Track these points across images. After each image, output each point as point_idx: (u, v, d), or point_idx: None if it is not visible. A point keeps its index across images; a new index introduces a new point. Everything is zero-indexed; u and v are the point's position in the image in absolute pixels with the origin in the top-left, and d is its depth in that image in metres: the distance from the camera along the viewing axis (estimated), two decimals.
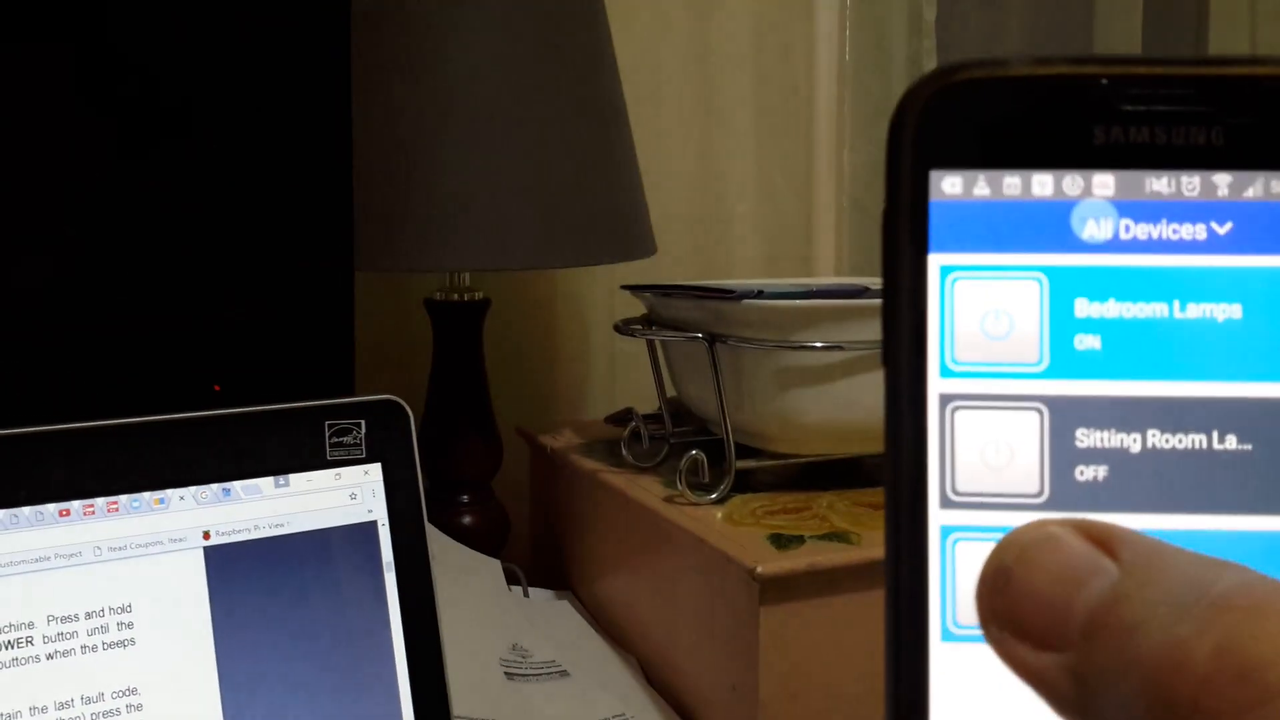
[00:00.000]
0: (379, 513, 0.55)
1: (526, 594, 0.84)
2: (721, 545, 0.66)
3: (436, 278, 0.88)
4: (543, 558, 0.94)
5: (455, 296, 0.87)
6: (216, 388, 0.68)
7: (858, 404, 0.73)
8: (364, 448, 0.55)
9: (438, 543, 0.80)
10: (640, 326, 0.80)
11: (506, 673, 0.72)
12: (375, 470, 0.55)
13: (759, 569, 0.62)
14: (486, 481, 0.88)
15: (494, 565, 0.81)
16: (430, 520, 0.82)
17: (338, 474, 0.54)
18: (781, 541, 0.65)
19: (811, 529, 0.68)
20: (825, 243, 1.22)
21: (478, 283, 0.88)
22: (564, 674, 0.74)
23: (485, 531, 0.86)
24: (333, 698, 0.52)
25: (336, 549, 0.54)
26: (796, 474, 0.80)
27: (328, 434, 0.54)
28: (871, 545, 0.65)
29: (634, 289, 0.81)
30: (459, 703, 0.67)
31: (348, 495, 0.54)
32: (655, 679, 0.76)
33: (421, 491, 0.56)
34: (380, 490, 0.55)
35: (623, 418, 0.87)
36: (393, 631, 0.54)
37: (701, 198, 1.13)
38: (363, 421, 0.55)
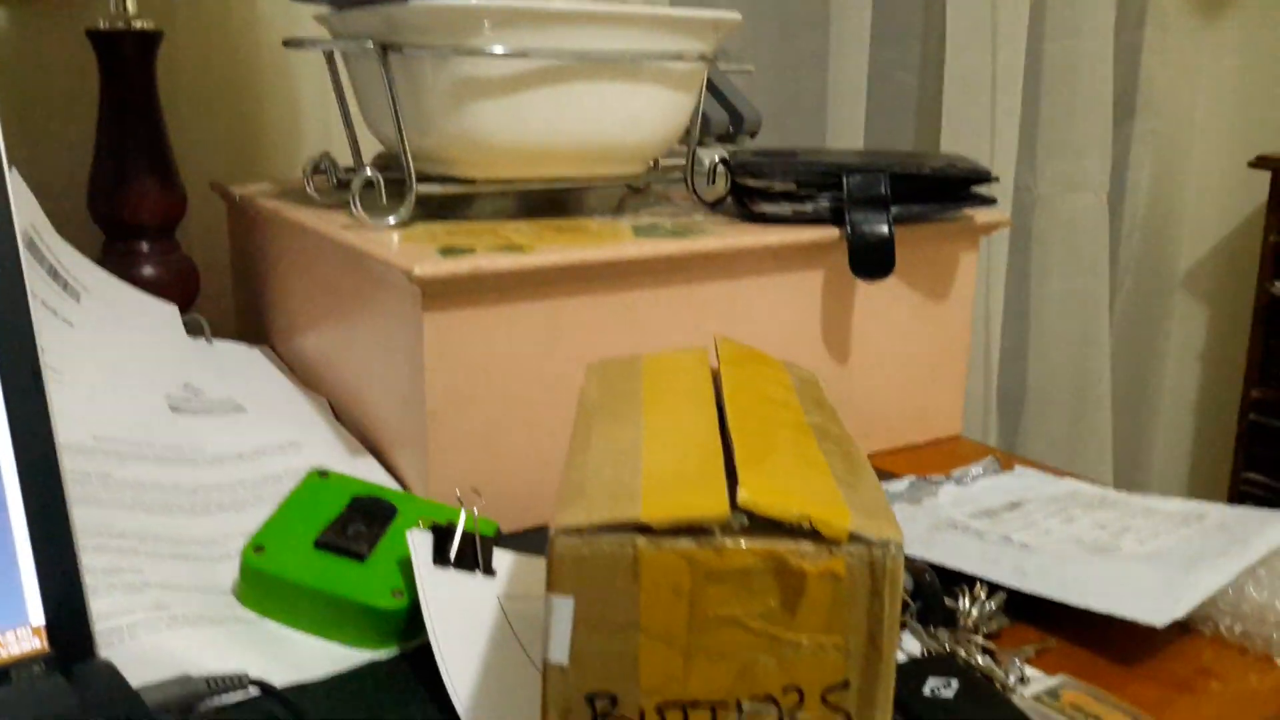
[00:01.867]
0: None
1: (210, 343, 0.79)
2: (387, 257, 0.62)
3: (102, 6, 0.79)
4: (244, 318, 0.89)
5: (120, 25, 0.79)
6: None
7: (549, 122, 0.70)
8: None
9: (109, 284, 0.74)
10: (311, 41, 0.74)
11: (172, 407, 0.67)
12: None
13: (416, 270, 0.59)
14: (169, 231, 0.82)
15: (170, 311, 0.76)
16: (110, 270, 0.77)
17: None
18: (450, 252, 0.63)
19: (486, 245, 0.65)
20: None
21: (145, 10, 0.80)
22: (239, 409, 0.70)
23: (171, 284, 0.81)
24: None
25: None
26: (490, 204, 0.77)
27: None
28: (543, 254, 0.63)
29: None
30: (109, 428, 0.63)
31: None
32: (343, 414, 0.73)
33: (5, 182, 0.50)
34: None
35: (317, 162, 0.82)
36: None
37: None
38: None
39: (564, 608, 0.36)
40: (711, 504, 0.36)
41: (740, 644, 0.37)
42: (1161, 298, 1.80)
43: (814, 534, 0.36)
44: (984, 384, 1.41)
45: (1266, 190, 1.79)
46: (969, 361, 0.87)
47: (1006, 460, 0.80)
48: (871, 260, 0.72)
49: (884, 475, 0.78)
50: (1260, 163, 1.77)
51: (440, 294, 0.60)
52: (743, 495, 0.36)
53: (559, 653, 0.37)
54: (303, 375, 0.79)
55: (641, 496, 0.37)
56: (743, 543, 0.36)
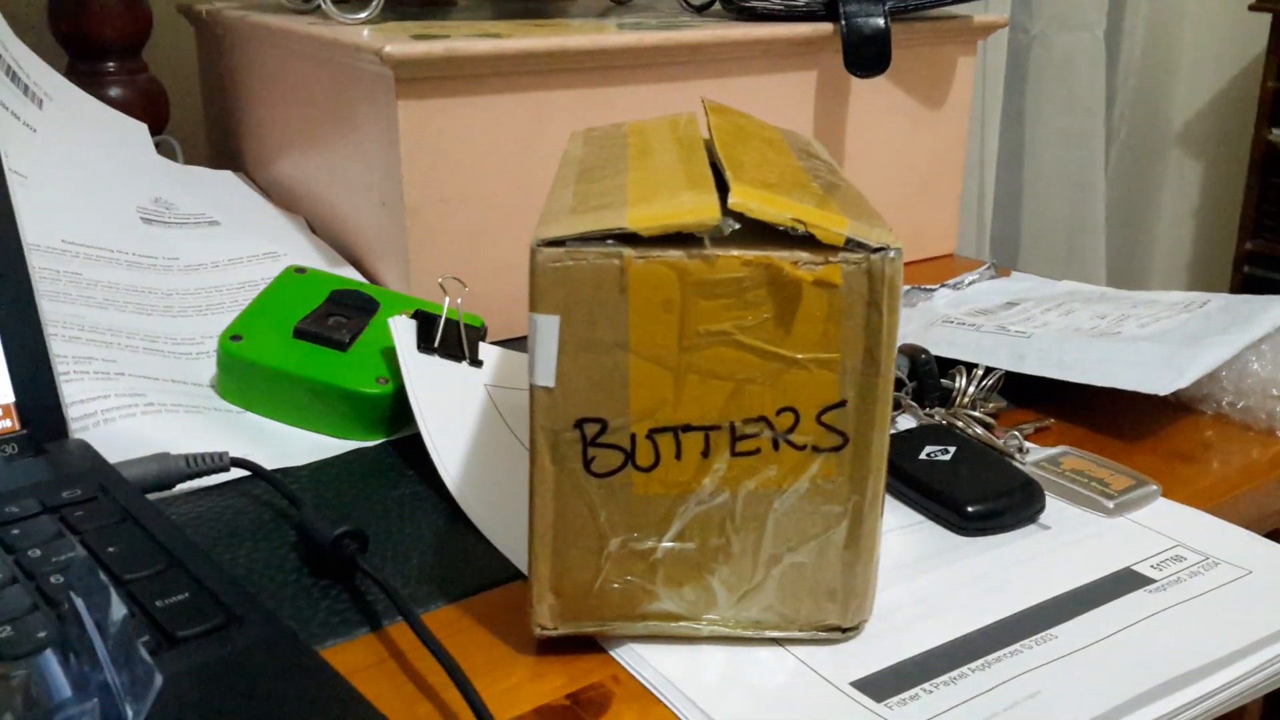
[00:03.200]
0: None
1: (181, 164, 0.76)
2: (357, 41, 0.59)
3: None
4: (217, 148, 0.86)
5: None
6: None
7: None
8: None
9: (75, 96, 0.71)
10: None
11: (143, 219, 0.65)
12: None
13: (388, 49, 0.56)
14: (135, 51, 0.79)
15: (140, 128, 0.73)
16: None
17: None
18: (424, 37, 0.60)
19: (462, 31, 0.62)
20: None
21: None
22: (214, 223, 0.68)
23: (139, 105, 0.78)
24: None
25: None
26: (467, 15, 0.74)
27: None
28: (521, 39, 0.61)
29: None
30: (78, 234, 0.61)
31: None
32: (321, 232, 0.71)
33: None
34: None
35: None
36: None
37: None
38: None
39: (549, 326, 0.35)
40: (701, 209, 0.34)
41: (733, 362, 0.35)
42: (1157, 148, 1.77)
43: (808, 240, 0.34)
44: (978, 228, 1.39)
45: (1266, 34, 1.75)
46: (963, 182, 0.85)
47: (1003, 271, 0.78)
48: (866, 55, 0.69)
49: None
50: (1261, 5, 1.73)
51: (414, 79, 0.58)
52: (733, 199, 0.34)
53: (545, 375, 0.35)
54: (279, 200, 0.76)
55: (628, 207, 0.35)
56: (734, 251, 0.34)
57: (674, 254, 0.34)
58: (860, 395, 0.35)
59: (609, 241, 0.34)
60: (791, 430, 0.36)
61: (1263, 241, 1.85)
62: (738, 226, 0.34)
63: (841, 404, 0.36)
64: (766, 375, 0.35)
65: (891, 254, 0.34)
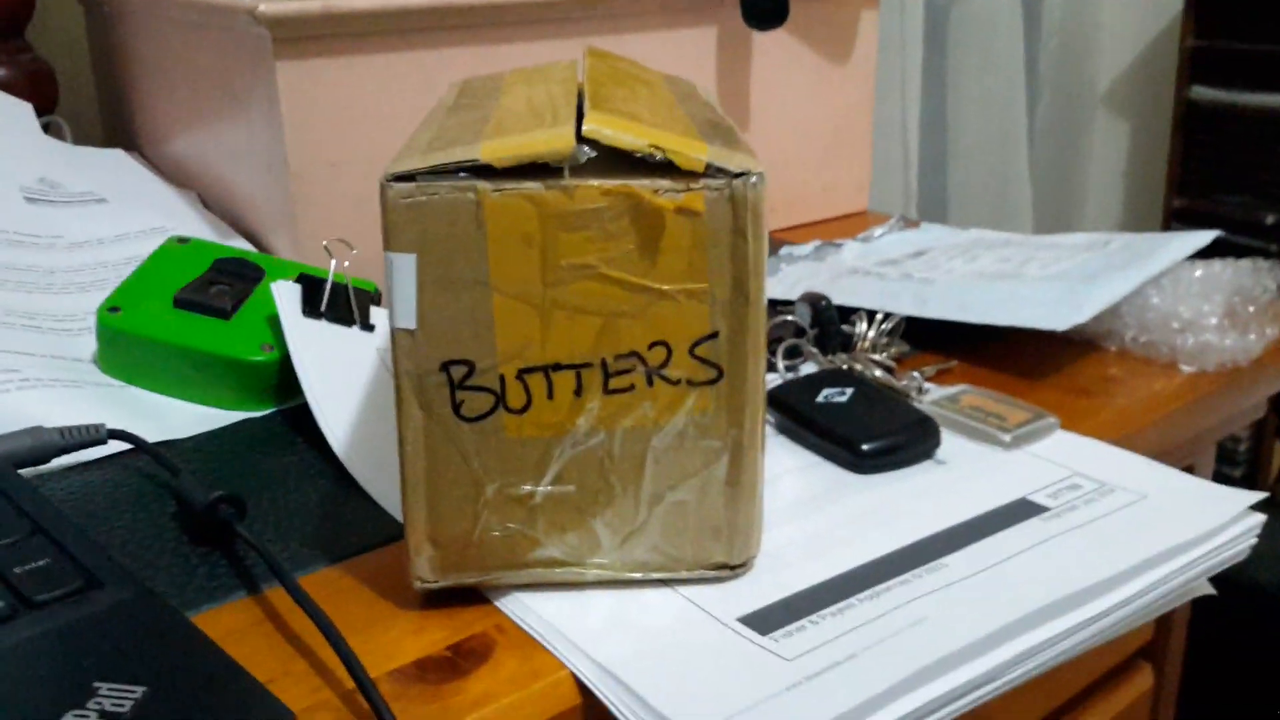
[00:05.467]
0: None
1: (70, 144, 0.74)
2: (232, 2, 0.58)
3: None
4: (110, 129, 0.84)
5: None
6: None
7: None
8: None
9: None
10: None
11: (27, 198, 0.63)
12: None
13: (261, 7, 0.54)
14: (17, 30, 0.76)
15: (24, 108, 0.71)
16: None
17: None
18: None
19: None
20: None
21: None
22: (101, 201, 0.66)
23: (24, 87, 0.75)
24: None
25: None
26: None
27: None
28: None
29: None
30: None
31: None
32: (214, 207, 0.69)
33: None
34: None
35: None
36: None
37: None
38: None
39: (405, 265, 0.33)
40: (555, 139, 0.33)
41: (600, 296, 0.34)
42: (1082, 109, 1.78)
43: (670, 168, 0.33)
44: (904, 193, 1.39)
45: None
46: (888, 147, 0.85)
47: (911, 223, 0.78)
48: (764, 6, 0.69)
49: (788, 244, 0.76)
50: None
51: (293, 38, 0.56)
52: (588, 126, 0.33)
53: (405, 317, 0.34)
54: (174, 178, 0.74)
55: (482, 140, 0.34)
56: (593, 180, 0.33)
57: (531, 185, 0.33)
58: (732, 326, 0.35)
59: (462, 175, 0.33)
60: (665, 365, 0.35)
61: (1188, 200, 1.87)
62: (594, 155, 0.33)
63: (713, 336, 0.35)
64: (635, 308, 0.34)
65: (754, 179, 0.33)
